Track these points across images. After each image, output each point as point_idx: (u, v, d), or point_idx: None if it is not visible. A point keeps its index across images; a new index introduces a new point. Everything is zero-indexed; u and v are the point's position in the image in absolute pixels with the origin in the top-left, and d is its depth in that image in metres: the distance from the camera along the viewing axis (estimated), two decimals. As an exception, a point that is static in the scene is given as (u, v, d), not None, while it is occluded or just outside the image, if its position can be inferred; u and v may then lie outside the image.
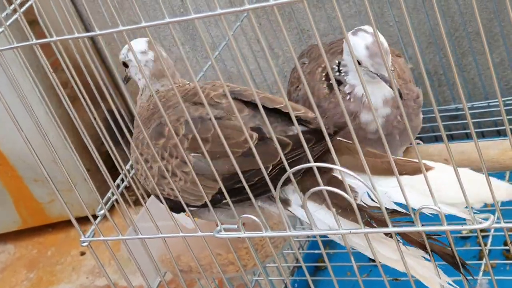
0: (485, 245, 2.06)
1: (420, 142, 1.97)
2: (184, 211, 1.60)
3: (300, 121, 1.51)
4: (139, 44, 1.74)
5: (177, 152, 1.54)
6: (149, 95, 1.75)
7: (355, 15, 2.51)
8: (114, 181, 1.62)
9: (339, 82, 1.75)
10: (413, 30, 2.32)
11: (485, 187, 1.15)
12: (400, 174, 1.31)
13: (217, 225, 1.43)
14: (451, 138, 2.61)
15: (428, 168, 1.33)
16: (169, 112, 1.62)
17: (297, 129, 1.20)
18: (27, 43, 1.32)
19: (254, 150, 1.26)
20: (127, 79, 1.85)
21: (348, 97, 1.75)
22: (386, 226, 1.25)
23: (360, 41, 1.64)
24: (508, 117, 2.33)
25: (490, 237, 2.09)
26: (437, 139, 2.64)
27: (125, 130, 1.51)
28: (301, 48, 2.58)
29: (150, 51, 1.73)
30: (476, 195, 1.22)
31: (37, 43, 1.31)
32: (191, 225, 1.68)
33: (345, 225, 1.36)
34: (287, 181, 1.30)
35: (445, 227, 1.19)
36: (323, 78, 1.80)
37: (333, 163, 1.32)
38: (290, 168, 1.25)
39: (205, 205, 1.45)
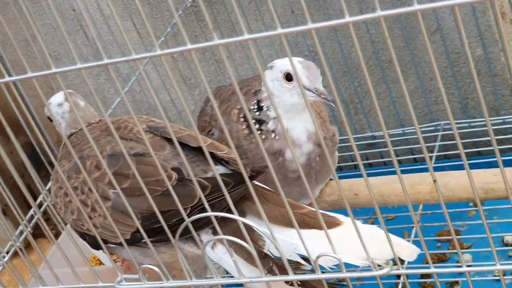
0: (399, 277, 2.05)
1: (332, 178, 1.96)
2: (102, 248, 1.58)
3: (223, 162, 1.50)
4: (57, 97, 1.79)
5: (97, 187, 1.51)
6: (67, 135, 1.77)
7: (269, 44, 2.50)
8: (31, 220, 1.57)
9: (261, 121, 1.72)
10: (326, 59, 2.33)
11: (388, 246, 1.16)
12: (311, 227, 1.36)
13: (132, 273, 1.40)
14: (369, 165, 2.61)
15: (337, 223, 1.37)
16: (91, 145, 1.58)
17: (215, 173, 1.16)
18: None
19: (172, 191, 1.22)
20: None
21: (273, 134, 1.72)
22: (288, 274, 1.23)
23: (286, 63, 1.65)
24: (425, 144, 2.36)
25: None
26: (356, 167, 2.65)
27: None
28: (217, 79, 2.56)
29: (66, 102, 1.77)
30: (378, 253, 1.22)
31: None
32: (109, 263, 1.64)
33: (249, 271, 1.36)
34: (204, 224, 1.35)
35: (345, 274, 1.18)
36: (242, 120, 1.77)
37: (248, 210, 1.32)
38: (211, 210, 1.23)
39: (127, 244, 1.41)
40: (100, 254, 1.76)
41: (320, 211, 1.37)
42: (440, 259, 2.21)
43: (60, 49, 2.65)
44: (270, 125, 1.71)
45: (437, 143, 2.38)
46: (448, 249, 2.24)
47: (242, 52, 2.53)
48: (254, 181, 1.48)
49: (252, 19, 2.46)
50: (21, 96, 2.87)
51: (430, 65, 2.40)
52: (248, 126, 1.75)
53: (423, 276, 2.16)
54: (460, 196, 1.74)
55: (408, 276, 2.02)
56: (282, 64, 1.66)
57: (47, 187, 1.79)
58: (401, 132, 2.50)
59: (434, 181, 1.10)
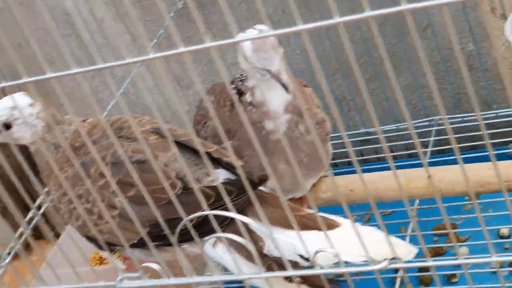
0: (397, 271, 2.07)
1: (328, 175, 1.97)
2: (111, 251, 1.60)
3: (228, 167, 1.51)
4: (22, 98, 1.64)
5: (103, 196, 1.51)
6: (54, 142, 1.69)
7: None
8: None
9: (241, 93, 1.74)
10: (318, 57, 2.33)
11: (386, 245, 1.18)
12: (310, 229, 1.39)
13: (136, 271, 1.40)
14: (364, 162, 2.63)
15: (335, 225, 1.40)
16: (96, 148, 1.57)
17: (218, 185, 1.18)
18: None
19: (176, 201, 1.21)
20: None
21: (249, 107, 1.73)
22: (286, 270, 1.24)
23: (244, 45, 1.62)
24: (418, 140, 2.37)
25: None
26: (350, 163, 2.66)
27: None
28: (210, 79, 2.57)
29: (37, 102, 1.64)
30: (377, 253, 1.23)
31: None
32: (120, 264, 1.66)
33: (250, 269, 1.40)
34: (211, 230, 1.32)
35: (343, 269, 1.19)
36: (227, 103, 1.78)
37: (249, 212, 1.39)
38: (215, 218, 1.24)
39: (132, 246, 1.42)
40: (103, 252, 1.77)
41: (319, 214, 1.39)
42: (437, 253, 2.23)
43: (54, 52, 2.66)
44: (248, 97, 1.73)
45: (432, 138, 2.39)
46: (445, 243, 2.25)
47: (234, 52, 2.54)
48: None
49: (243, 19, 2.47)
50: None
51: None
52: (232, 105, 1.76)
53: (421, 270, 2.17)
54: (455, 190, 1.75)
55: (406, 270, 2.06)
56: (242, 45, 1.62)
57: (45, 190, 1.77)
58: (395, 128, 2.51)
59: (429, 177, 1.12)
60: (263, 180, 1.47)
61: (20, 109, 1.62)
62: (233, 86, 1.75)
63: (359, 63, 2.47)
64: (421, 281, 2.18)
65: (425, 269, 2.15)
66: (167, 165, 1.51)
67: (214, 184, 1.49)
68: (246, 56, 1.61)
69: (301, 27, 0.95)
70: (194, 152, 1.51)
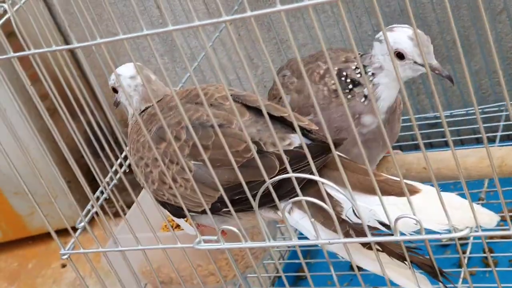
0: (464, 252, 2.07)
1: (399, 151, 1.97)
2: (184, 216, 1.61)
3: (303, 131, 1.52)
4: (128, 69, 1.76)
5: (178, 158, 1.54)
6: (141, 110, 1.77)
7: (333, 24, 2.52)
8: (94, 193, 1.62)
9: (357, 83, 1.74)
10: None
11: (469, 213, 1.17)
12: (389, 194, 1.36)
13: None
14: (430, 146, 2.62)
15: (415, 191, 1.36)
16: (172, 114, 1.62)
17: (302, 143, 1.19)
18: (5, 56, 1.31)
19: (258, 161, 1.24)
20: (116, 104, 1.86)
21: (363, 99, 1.74)
22: (365, 236, 1.25)
23: (401, 34, 1.64)
24: (486, 125, 2.37)
25: (470, 245, 2.11)
26: (417, 147, 2.65)
27: (104, 142, 1.52)
28: (280, 59, 2.59)
29: (139, 75, 1.72)
30: (459, 220, 1.22)
31: (15, 56, 1.30)
32: (192, 231, 1.68)
33: (326, 235, 1.39)
34: (286, 194, 1.39)
35: (424, 236, 1.20)
36: (326, 80, 1.79)
37: (327, 176, 1.36)
38: (287, 185, 1.29)
39: (205, 211, 1.44)
40: (178, 219, 1.80)
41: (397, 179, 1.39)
42: (504, 237, 2.21)
43: (125, 28, 2.69)
44: (366, 90, 1.73)
45: (501, 123, 2.38)
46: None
47: (306, 32, 2.55)
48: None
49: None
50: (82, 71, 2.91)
51: (496, 45, 2.40)
52: (331, 89, 1.76)
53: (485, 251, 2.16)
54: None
55: (472, 250, 2.06)
56: (392, 41, 1.64)
57: (118, 162, 1.81)
58: (464, 112, 2.50)
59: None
60: (338, 144, 1.46)
61: (120, 78, 1.74)
62: (344, 74, 1.76)
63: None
64: (486, 264, 2.17)
65: (490, 251, 2.15)
66: (241, 129, 1.52)
67: (291, 147, 1.50)
68: (405, 52, 1.63)
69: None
70: (270, 117, 1.51)
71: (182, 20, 2.56)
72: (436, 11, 2.38)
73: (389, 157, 1.91)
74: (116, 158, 1.77)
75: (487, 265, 2.16)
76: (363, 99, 1.73)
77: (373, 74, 1.71)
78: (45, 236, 3.36)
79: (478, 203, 2.08)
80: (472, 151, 1.79)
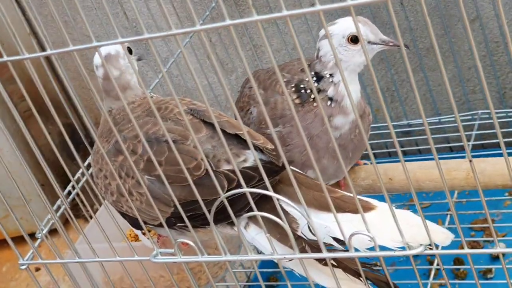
0: (432, 263, 2.06)
1: (367, 162, 1.96)
2: (141, 228, 1.59)
3: (257, 150, 1.50)
4: (96, 58, 1.67)
5: (133, 172, 1.52)
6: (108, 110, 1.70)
7: (307, 30, 2.50)
8: (68, 197, 1.60)
9: (318, 90, 1.72)
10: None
11: (423, 230, 1.16)
12: (344, 211, 1.36)
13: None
14: (404, 153, 2.61)
15: (370, 207, 1.36)
16: (130, 126, 1.59)
17: (256, 160, 1.17)
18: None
19: (213, 177, 1.22)
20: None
21: (329, 102, 1.71)
22: (321, 252, 1.23)
23: (348, 21, 1.66)
24: (458, 134, 2.36)
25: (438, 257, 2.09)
26: (390, 154, 2.65)
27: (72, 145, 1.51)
28: (254, 64, 2.57)
29: (101, 68, 1.66)
30: (413, 238, 1.21)
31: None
32: (149, 243, 1.66)
33: (282, 251, 1.37)
34: (241, 209, 1.39)
35: (378, 253, 1.18)
36: (293, 89, 1.75)
37: (282, 193, 1.37)
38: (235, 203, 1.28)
39: (161, 225, 1.42)
40: (137, 231, 1.78)
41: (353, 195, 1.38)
42: (474, 247, 2.20)
43: (100, 30, 2.67)
44: (330, 92, 1.71)
45: (474, 132, 2.37)
46: (482, 237, 2.23)
47: (279, 38, 2.54)
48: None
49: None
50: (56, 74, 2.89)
51: (468, 54, 2.39)
52: (299, 96, 1.74)
53: (456, 262, 2.15)
54: (496, 183, 1.72)
55: (443, 262, 2.04)
56: (342, 29, 1.65)
57: (85, 164, 1.79)
58: (437, 121, 2.49)
59: (470, 161, 1.10)
60: (283, 168, 1.45)
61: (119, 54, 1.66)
62: (301, 86, 1.75)
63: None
64: (456, 275, 2.16)
65: (461, 262, 2.14)
66: (196, 147, 1.50)
67: (246, 164, 1.49)
68: (359, 33, 1.61)
69: (349, 2, 0.94)
70: (226, 134, 1.49)
71: (149, 23, 2.53)
72: (409, 19, 2.37)
73: (356, 168, 1.90)
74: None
75: (457, 276, 2.15)
76: (329, 103, 1.71)
77: (331, 75, 1.70)
78: (20, 239, 3.32)
79: (447, 214, 2.08)
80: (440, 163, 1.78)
